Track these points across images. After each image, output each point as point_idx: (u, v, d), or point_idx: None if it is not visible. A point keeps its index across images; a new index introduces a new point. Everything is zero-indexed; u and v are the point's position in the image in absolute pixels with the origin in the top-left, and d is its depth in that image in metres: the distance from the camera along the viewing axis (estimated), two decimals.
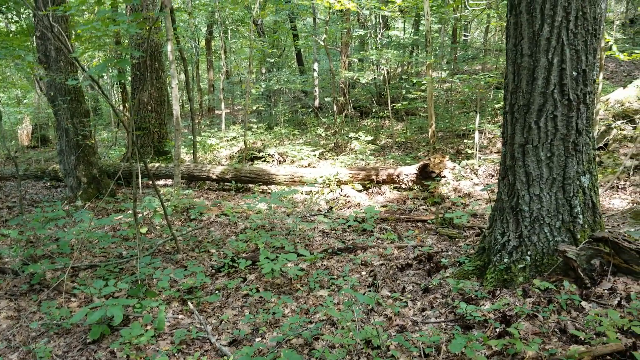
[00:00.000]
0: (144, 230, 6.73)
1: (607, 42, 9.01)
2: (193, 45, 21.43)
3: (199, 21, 23.05)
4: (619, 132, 8.50)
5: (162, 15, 8.36)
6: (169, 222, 5.79)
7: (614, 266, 3.68)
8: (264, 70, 21.01)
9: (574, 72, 3.64)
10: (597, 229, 3.87)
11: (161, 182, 11.07)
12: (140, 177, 9.31)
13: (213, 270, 5.34)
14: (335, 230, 6.73)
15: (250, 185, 10.18)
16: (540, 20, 3.63)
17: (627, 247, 3.61)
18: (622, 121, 8.95)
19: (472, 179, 8.89)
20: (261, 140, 14.70)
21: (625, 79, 13.57)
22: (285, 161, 12.19)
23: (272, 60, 20.05)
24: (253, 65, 18.80)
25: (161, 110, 12.97)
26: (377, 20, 17.54)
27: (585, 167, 3.80)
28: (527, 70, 3.75)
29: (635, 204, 6.26)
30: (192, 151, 11.64)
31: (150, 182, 5.68)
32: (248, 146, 12.85)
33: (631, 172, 7.50)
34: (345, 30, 15.68)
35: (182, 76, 18.84)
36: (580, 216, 3.80)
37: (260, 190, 9.98)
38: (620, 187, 7.33)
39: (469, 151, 10.34)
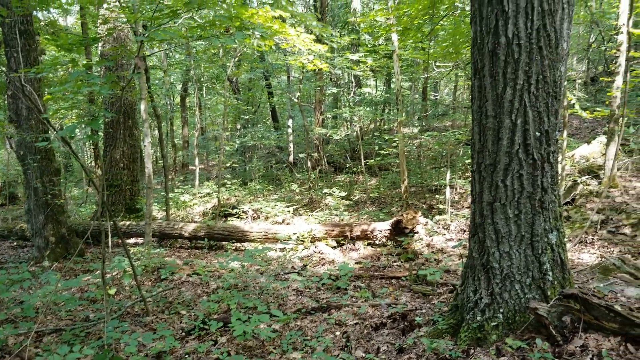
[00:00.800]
0: (112, 291, 6.54)
1: (570, 101, 9.39)
2: (168, 102, 21.59)
3: (175, 78, 23.33)
4: (585, 187, 8.74)
5: (136, 77, 8.44)
6: (138, 283, 5.65)
7: (584, 323, 3.69)
8: (238, 126, 21.22)
9: (537, 133, 3.76)
10: (567, 285, 3.91)
11: (132, 240, 10.87)
12: (110, 235, 9.13)
13: (183, 333, 5.18)
14: (309, 289, 6.65)
15: (224, 242, 10.05)
16: (503, 84, 3.78)
17: (596, 303, 3.64)
18: (587, 176, 9.22)
19: (444, 235, 8.96)
20: (235, 196, 14.65)
21: (589, 135, 14.06)
22: (259, 217, 12.13)
23: (247, 117, 20.29)
24: (227, 121, 18.98)
25: (133, 167, 12.88)
26: (350, 78, 18.06)
27: (552, 224, 3.87)
28: (492, 130, 3.86)
29: (603, 259, 6.37)
30: (164, 208, 11.51)
31: (121, 241, 5.58)
32: (222, 202, 12.78)
33: (598, 227, 7.66)
34: (319, 88, 16.07)
35: (156, 132, 18.90)
36: (550, 273, 3.85)
37: (234, 248, 9.86)
38: (588, 241, 7.46)
39: (441, 206, 10.47)
